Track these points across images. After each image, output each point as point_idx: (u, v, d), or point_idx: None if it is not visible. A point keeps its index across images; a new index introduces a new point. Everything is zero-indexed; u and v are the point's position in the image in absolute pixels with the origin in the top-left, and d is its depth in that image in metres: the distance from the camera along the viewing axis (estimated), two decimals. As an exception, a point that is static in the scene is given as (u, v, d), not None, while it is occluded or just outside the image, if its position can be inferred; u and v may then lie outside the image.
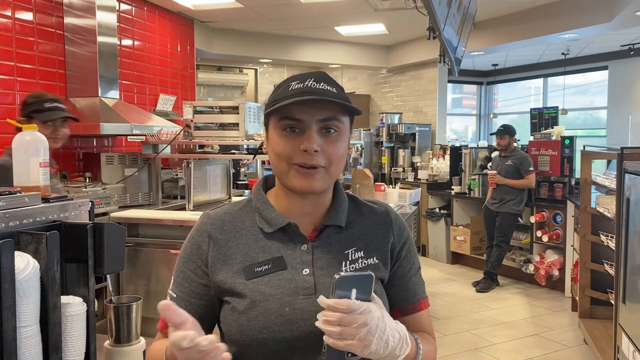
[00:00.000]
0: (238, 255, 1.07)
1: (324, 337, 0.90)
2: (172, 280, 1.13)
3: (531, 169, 5.47)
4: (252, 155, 3.88)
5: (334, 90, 1.05)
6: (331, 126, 1.04)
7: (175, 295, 1.10)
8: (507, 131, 5.57)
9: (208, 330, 1.13)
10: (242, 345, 1.02)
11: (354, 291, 0.91)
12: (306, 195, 1.07)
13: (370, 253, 1.10)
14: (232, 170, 4.20)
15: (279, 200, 1.11)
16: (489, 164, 6.22)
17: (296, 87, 1.04)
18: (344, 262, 1.07)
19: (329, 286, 0.93)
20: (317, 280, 1.04)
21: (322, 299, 0.90)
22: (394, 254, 1.14)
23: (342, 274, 0.92)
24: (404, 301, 1.14)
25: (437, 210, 6.93)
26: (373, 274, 0.94)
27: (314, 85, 1.03)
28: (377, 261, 1.10)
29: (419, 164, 7.57)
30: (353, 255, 1.08)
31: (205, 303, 1.08)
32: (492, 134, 5.73)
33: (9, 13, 3.73)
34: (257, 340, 1.00)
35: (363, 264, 1.08)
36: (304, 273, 1.04)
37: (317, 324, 0.90)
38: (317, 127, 1.03)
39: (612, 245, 3.45)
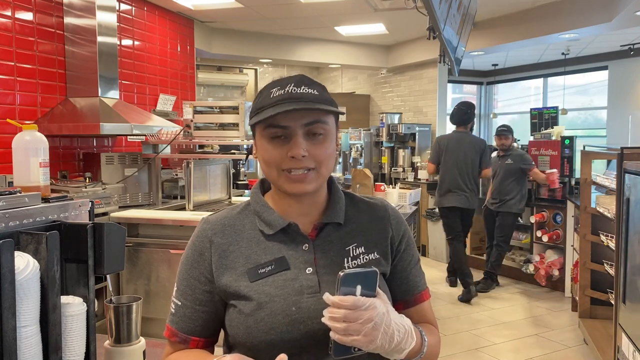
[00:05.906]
0: (240, 259, 1.07)
1: (330, 333, 0.91)
2: (175, 288, 1.13)
3: (532, 162, 5.52)
4: (246, 155, 3.89)
5: (316, 93, 1.04)
6: (316, 129, 1.04)
7: (180, 303, 1.10)
8: (510, 131, 5.60)
9: (213, 336, 1.13)
10: (250, 347, 1.02)
11: (358, 287, 0.92)
12: (301, 196, 1.08)
13: (370, 248, 1.11)
14: (232, 170, 4.20)
15: (276, 202, 1.12)
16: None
17: (277, 93, 1.03)
18: (345, 259, 1.08)
19: (333, 284, 0.94)
20: (320, 278, 1.04)
21: (327, 296, 0.91)
22: (394, 248, 1.14)
23: (347, 270, 0.92)
24: (406, 294, 1.15)
25: (437, 210, 6.92)
26: (377, 269, 0.95)
27: (294, 90, 1.03)
28: (378, 256, 1.11)
29: (419, 164, 7.56)
30: (354, 251, 1.09)
31: (210, 310, 1.09)
32: (496, 135, 5.70)
33: (9, 13, 3.73)
34: (265, 341, 1.01)
35: (365, 260, 1.09)
36: (307, 272, 1.05)
37: (323, 320, 0.91)
38: (303, 131, 1.03)
39: (612, 245, 3.44)
